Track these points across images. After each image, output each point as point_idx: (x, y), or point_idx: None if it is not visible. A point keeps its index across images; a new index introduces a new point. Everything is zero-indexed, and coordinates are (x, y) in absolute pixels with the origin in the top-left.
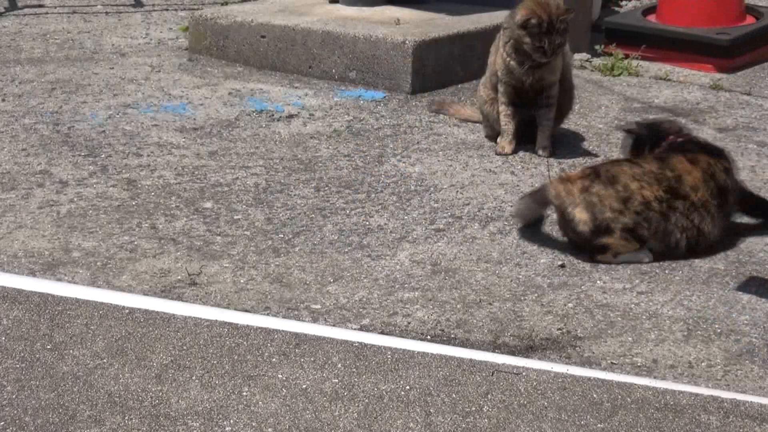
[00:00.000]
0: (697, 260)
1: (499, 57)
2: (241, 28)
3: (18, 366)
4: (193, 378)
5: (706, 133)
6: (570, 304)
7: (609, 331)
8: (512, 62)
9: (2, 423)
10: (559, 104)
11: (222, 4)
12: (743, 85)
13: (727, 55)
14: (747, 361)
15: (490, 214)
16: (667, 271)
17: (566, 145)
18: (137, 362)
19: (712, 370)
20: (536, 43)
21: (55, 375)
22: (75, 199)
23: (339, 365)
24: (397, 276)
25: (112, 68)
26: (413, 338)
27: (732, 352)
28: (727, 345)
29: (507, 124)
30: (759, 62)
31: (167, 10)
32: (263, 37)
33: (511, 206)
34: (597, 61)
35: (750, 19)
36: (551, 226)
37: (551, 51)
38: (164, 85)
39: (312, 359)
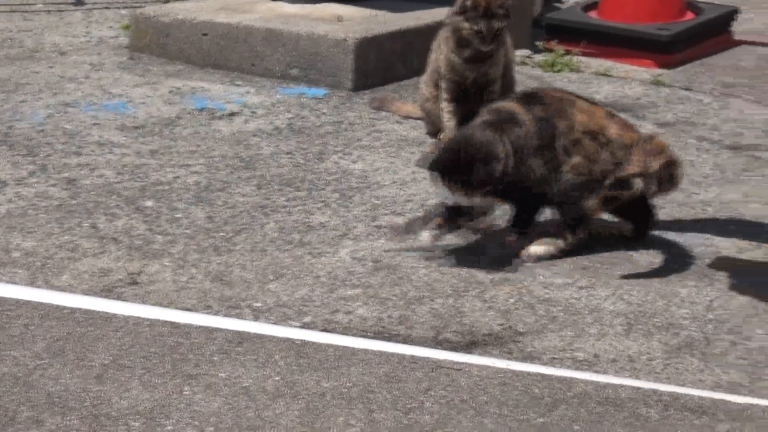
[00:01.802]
0: (636, 254)
1: (441, 53)
2: (182, 25)
3: None
4: (134, 378)
5: (647, 128)
6: (511, 300)
7: (550, 326)
8: (455, 57)
9: None
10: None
11: (164, 2)
12: (683, 80)
13: (667, 50)
14: (686, 355)
15: (432, 210)
16: (607, 266)
17: None
18: (77, 362)
19: (652, 363)
20: (474, 26)
21: None
22: (14, 199)
23: (281, 363)
24: (339, 273)
25: (52, 67)
26: (355, 335)
27: (671, 346)
28: (667, 339)
29: (449, 121)
30: (699, 58)
31: (108, 8)
32: (205, 34)
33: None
34: (538, 58)
35: (690, 15)
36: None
37: (490, 36)
38: (105, 83)
39: (254, 357)
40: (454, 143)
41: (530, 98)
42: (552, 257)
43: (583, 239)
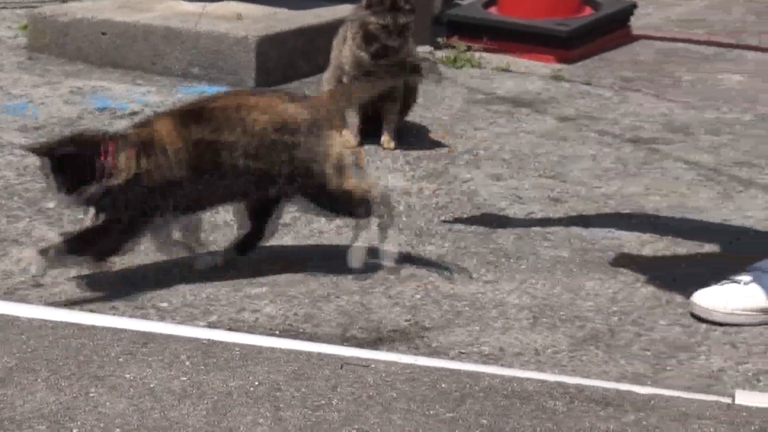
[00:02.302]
0: (541, 248)
1: (346, 50)
2: (80, 25)
3: None
4: (39, 380)
5: (548, 123)
6: (418, 296)
7: (456, 321)
8: (361, 53)
9: None
10: (404, 97)
11: (62, 2)
12: (583, 75)
13: (566, 45)
14: (591, 347)
15: None
16: (512, 260)
17: (411, 137)
18: None
19: (558, 356)
20: (381, 21)
21: None
22: None
23: (187, 363)
24: (245, 272)
25: None
26: (261, 334)
27: (577, 338)
28: (572, 331)
29: (351, 118)
30: (598, 53)
31: (5, 8)
32: (104, 34)
33: None
34: (440, 54)
35: (588, 10)
36: (397, 218)
37: (396, 30)
38: (3, 84)
39: (160, 358)
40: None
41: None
42: None
43: None
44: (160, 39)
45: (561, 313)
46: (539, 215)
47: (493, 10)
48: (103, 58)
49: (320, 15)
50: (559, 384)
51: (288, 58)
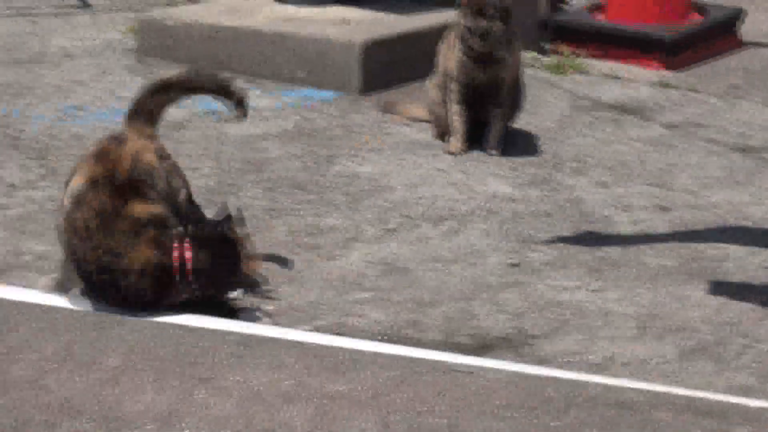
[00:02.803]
0: (647, 258)
1: (451, 55)
2: (189, 29)
3: None
4: (146, 381)
5: (654, 130)
6: (523, 303)
7: (562, 330)
8: (464, 58)
9: None
10: (510, 103)
11: (170, 6)
12: (690, 82)
13: (674, 52)
14: (699, 358)
15: (441, 213)
16: (618, 269)
17: (516, 143)
18: (89, 366)
19: (665, 366)
20: (466, 23)
21: (7, 380)
22: (25, 203)
23: (293, 366)
24: (350, 277)
25: (60, 70)
26: (366, 338)
27: (684, 349)
28: (680, 342)
29: (458, 124)
30: (706, 59)
31: (115, 11)
32: (212, 38)
33: (463, 205)
34: (545, 60)
35: (696, 16)
36: (502, 224)
37: (479, 33)
38: (112, 87)
39: (266, 361)
40: None
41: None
42: None
43: None
44: (267, 43)
45: (668, 322)
46: (645, 223)
47: (599, 15)
48: (211, 61)
49: (425, 20)
50: (666, 395)
51: (393, 63)
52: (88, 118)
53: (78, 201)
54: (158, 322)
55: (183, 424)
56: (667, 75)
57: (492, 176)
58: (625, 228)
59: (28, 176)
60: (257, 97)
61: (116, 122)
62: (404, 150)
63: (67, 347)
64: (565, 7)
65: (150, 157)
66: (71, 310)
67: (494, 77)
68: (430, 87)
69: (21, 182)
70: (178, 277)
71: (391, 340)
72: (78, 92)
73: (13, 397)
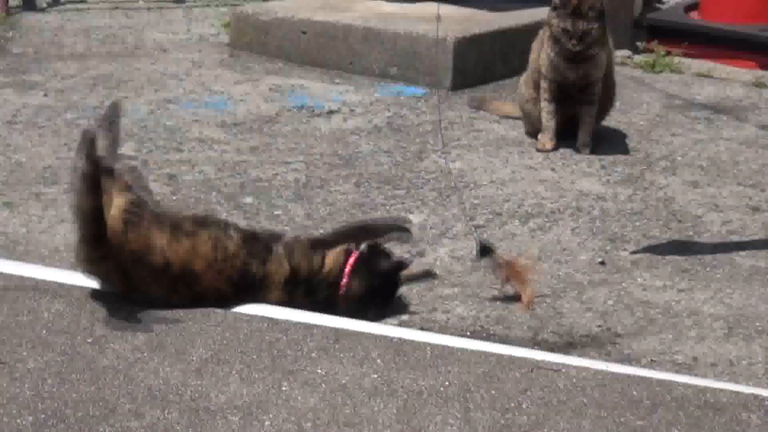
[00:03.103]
0: (738, 258)
1: (543, 53)
2: (282, 24)
3: (59, 359)
4: (233, 372)
5: (748, 130)
6: (610, 302)
7: (649, 329)
8: (556, 56)
9: (44, 416)
10: (601, 101)
11: (264, 0)
12: None
13: None
14: None
15: (530, 210)
16: (708, 269)
17: (607, 142)
18: (177, 356)
19: (753, 368)
20: (561, 24)
21: (96, 368)
22: None
23: (378, 361)
24: (437, 272)
25: (154, 64)
26: (453, 334)
27: None
28: None
29: (548, 121)
30: None
31: (208, 6)
32: (304, 33)
33: (552, 203)
34: (638, 58)
35: None
36: (591, 222)
37: (576, 35)
38: (205, 80)
39: (351, 354)
40: None
41: None
42: None
43: None
44: (359, 39)
45: (757, 324)
46: (737, 224)
47: (694, 14)
48: (303, 56)
49: (518, 17)
50: (755, 396)
51: (485, 60)
52: (180, 111)
53: None
54: (246, 315)
55: (268, 416)
56: (763, 75)
57: (582, 174)
58: (716, 228)
59: None
60: (349, 93)
61: (207, 115)
62: (494, 146)
63: (156, 338)
64: (660, 6)
65: None
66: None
67: (586, 76)
68: (522, 84)
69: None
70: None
71: (477, 336)
72: (171, 85)
73: (101, 386)
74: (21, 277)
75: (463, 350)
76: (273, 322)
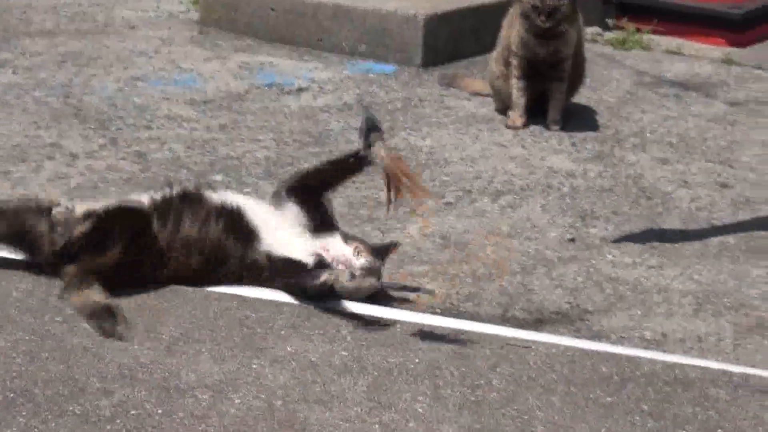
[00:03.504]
0: (705, 235)
1: (513, 30)
2: (250, 0)
3: (27, 338)
4: (203, 351)
5: (717, 107)
6: (580, 278)
7: (618, 305)
8: (526, 33)
9: (12, 394)
10: (571, 78)
11: None
12: (755, 59)
13: (738, 29)
14: (757, 336)
15: (500, 187)
16: (677, 245)
17: (577, 119)
18: (147, 335)
19: (722, 344)
20: (531, 1)
21: (65, 347)
22: (85, 172)
23: (348, 338)
24: (408, 249)
25: (123, 41)
26: (423, 312)
27: (742, 327)
28: (737, 319)
29: (519, 98)
30: None
31: None
32: (273, 9)
33: (522, 179)
34: (609, 35)
35: None
36: (561, 199)
37: (546, 11)
38: (174, 57)
39: (321, 332)
40: None
41: None
42: None
43: None
44: (328, 16)
45: (726, 300)
46: (706, 200)
47: None
48: (272, 34)
49: None
50: (723, 372)
51: (456, 37)
52: (149, 89)
53: None
54: (215, 293)
55: (238, 394)
56: (732, 52)
57: (552, 151)
58: (686, 205)
59: (89, 146)
60: (318, 70)
61: (176, 93)
62: (464, 124)
63: (127, 316)
64: None
65: None
66: None
67: (556, 52)
68: (492, 61)
69: (82, 151)
70: None
71: (447, 314)
72: (140, 63)
73: (70, 365)
74: None
75: (433, 327)
76: (242, 300)
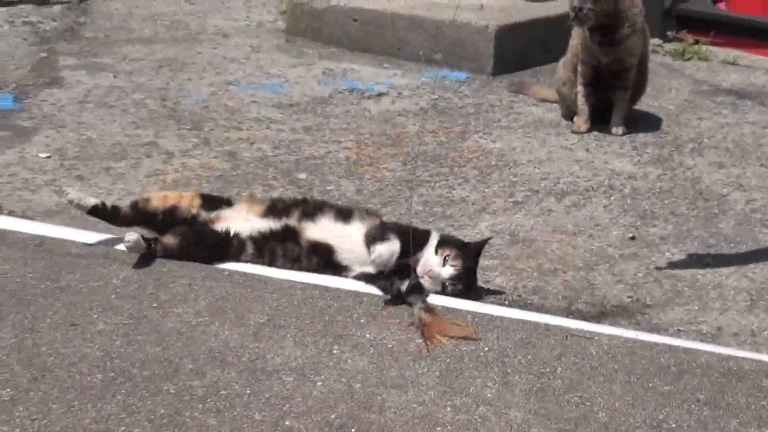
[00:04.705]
0: (761, 235)
1: (581, 38)
2: (334, 11)
3: (126, 322)
4: (288, 336)
5: None
6: (640, 274)
7: (676, 300)
8: (591, 41)
9: (112, 374)
10: (634, 86)
11: None
12: None
13: None
14: None
15: (565, 188)
16: (732, 245)
17: (639, 124)
18: (236, 320)
19: None
20: (582, 5)
21: (160, 331)
22: (180, 169)
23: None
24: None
25: (215, 48)
26: (492, 303)
27: None
28: None
29: (583, 104)
30: None
31: None
32: (355, 20)
33: (586, 181)
34: (668, 46)
35: None
36: (622, 200)
37: (592, 15)
38: (263, 64)
39: (397, 321)
40: None
41: None
42: None
43: None
44: (405, 26)
45: None
46: (760, 203)
47: (721, 5)
48: (354, 42)
49: (557, 7)
50: None
51: (524, 47)
52: (239, 93)
53: None
54: (300, 283)
55: (320, 377)
56: None
57: (614, 154)
58: (740, 206)
59: (184, 145)
60: (396, 77)
61: (265, 96)
62: (532, 128)
63: (216, 303)
64: None
65: None
66: (220, 269)
67: (619, 60)
68: (560, 67)
69: (177, 150)
70: None
71: (515, 305)
72: (231, 69)
73: (165, 347)
74: (92, 246)
75: (501, 318)
76: (325, 289)
